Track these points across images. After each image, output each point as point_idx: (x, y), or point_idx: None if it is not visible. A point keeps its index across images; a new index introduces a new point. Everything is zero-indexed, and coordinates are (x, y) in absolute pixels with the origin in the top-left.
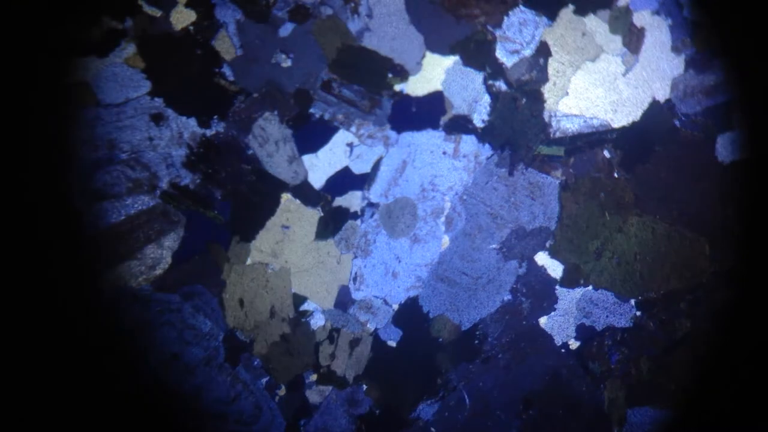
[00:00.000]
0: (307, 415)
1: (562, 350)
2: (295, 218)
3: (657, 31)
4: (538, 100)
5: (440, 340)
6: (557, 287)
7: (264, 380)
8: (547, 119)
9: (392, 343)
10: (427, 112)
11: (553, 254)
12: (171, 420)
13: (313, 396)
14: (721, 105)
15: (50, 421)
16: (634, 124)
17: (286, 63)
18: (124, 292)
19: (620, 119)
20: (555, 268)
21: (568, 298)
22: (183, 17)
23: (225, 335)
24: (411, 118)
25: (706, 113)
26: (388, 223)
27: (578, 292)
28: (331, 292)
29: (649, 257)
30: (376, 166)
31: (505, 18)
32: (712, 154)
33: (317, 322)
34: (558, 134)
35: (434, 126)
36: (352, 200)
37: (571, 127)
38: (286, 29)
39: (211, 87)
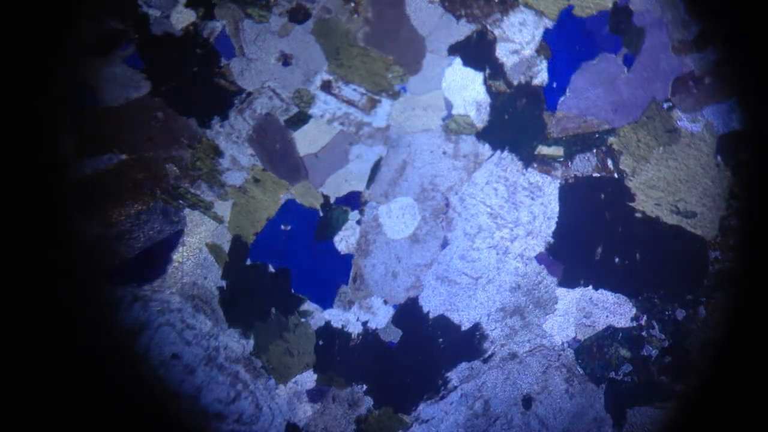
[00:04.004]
0: None
1: (562, 350)
2: (295, 218)
3: (657, 31)
4: (538, 100)
5: (440, 340)
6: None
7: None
8: (547, 119)
9: (392, 344)
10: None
11: (554, 254)
12: (171, 420)
13: (313, 396)
14: (721, 105)
15: (51, 422)
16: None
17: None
18: (124, 292)
19: (620, 119)
20: (555, 269)
21: (568, 297)
22: (183, 17)
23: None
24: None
25: (706, 113)
26: (388, 223)
27: (578, 291)
28: (330, 291)
29: (649, 257)
30: (376, 166)
31: (505, 18)
32: (713, 154)
33: (317, 322)
34: (558, 134)
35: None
36: (351, 200)
37: (571, 127)
38: (286, 29)
39: (211, 87)
